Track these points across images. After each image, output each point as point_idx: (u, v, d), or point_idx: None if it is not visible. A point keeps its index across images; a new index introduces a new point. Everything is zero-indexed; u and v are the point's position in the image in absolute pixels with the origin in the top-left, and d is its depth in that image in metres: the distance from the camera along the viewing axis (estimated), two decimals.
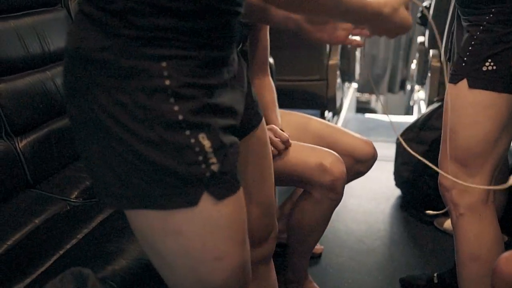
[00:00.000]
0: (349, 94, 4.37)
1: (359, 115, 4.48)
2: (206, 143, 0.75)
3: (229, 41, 0.81)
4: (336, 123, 3.70)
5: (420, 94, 3.98)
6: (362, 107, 5.32)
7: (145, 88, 0.72)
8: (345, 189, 1.51)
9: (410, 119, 4.33)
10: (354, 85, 4.32)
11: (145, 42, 0.71)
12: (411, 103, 4.57)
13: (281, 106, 2.02)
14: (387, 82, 5.69)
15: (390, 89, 5.77)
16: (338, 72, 2.98)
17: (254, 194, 1.01)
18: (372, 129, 3.97)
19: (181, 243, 0.79)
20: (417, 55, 3.75)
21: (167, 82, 0.72)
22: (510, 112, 1.26)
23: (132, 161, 0.74)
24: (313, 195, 1.49)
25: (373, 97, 5.91)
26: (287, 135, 1.45)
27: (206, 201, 0.76)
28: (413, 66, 4.62)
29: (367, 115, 4.43)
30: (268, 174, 1.08)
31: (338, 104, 3.17)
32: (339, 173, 1.45)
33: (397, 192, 2.53)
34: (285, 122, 1.62)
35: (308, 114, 1.76)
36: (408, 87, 5.22)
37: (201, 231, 0.78)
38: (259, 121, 1.03)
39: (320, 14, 0.95)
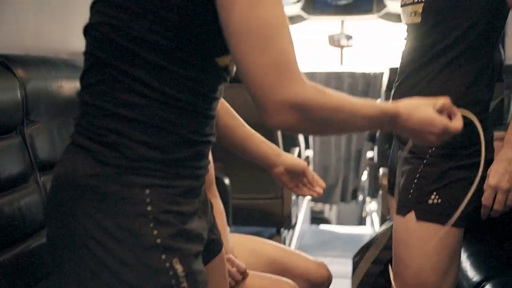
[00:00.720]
0: (303, 206, 4.41)
1: (314, 227, 4.49)
2: (179, 268, 0.79)
3: (202, 172, 0.87)
4: (291, 237, 3.69)
5: (372, 206, 4.06)
6: (316, 217, 5.36)
7: (128, 213, 0.77)
8: None
9: (363, 230, 4.39)
10: (308, 197, 4.38)
11: (132, 171, 0.78)
12: (363, 215, 4.65)
13: (239, 223, 2.01)
14: (340, 192, 5.81)
15: (343, 199, 5.88)
16: None
17: None
18: (328, 241, 3.97)
19: None
20: (368, 168, 3.88)
21: (149, 208, 0.77)
22: (458, 244, 1.29)
23: (108, 281, 0.77)
24: None
25: (326, 207, 5.98)
26: (244, 266, 1.42)
27: None
28: (364, 177, 4.77)
29: (322, 226, 4.45)
30: None
31: (294, 220, 3.18)
32: None
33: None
34: (239, 246, 1.60)
35: (264, 231, 1.75)
36: (360, 197, 5.33)
37: None
38: (219, 249, 1.09)
39: (344, 131, 0.97)
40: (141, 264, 0.77)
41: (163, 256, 0.78)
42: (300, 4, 4.61)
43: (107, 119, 0.79)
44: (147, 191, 0.78)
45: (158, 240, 0.77)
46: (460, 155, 1.26)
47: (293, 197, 3.08)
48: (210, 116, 0.85)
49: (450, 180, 1.25)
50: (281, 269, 1.56)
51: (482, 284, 1.60)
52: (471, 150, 1.25)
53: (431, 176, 1.26)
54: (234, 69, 0.85)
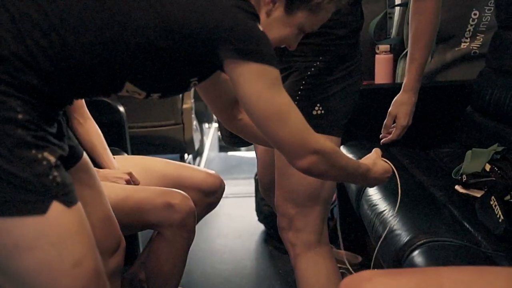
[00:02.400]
0: (209, 135, 4.42)
1: (222, 154, 4.54)
2: (51, 158, 0.87)
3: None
4: (198, 164, 3.71)
5: None
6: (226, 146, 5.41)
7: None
8: (212, 230, 1.51)
9: None
10: (215, 125, 4.39)
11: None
12: None
13: (139, 153, 1.99)
14: None
15: None
16: (193, 115, 3.01)
17: (90, 211, 1.07)
18: (235, 166, 4.04)
19: (38, 257, 0.86)
20: None
21: (20, 116, 0.85)
22: None
23: None
24: (165, 235, 1.47)
25: None
26: (122, 173, 1.48)
27: (56, 209, 0.86)
28: None
29: (230, 153, 4.50)
30: (99, 193, 1.18)
31: (197, 146, 3.18)
32: (188, 209, 1.44)
33: (261, 227, 2.58)
34: (127, 165, 1.59)
35: (167, 158, 1.75)
36: None
37: (55, 240, 0.87)
38: (80, 156, 1.15)
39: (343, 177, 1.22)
40: (14, 157, 0.84)
41: (33, 151, 0.85)
42: None
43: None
44: (19, 102, 0.85)
45: (28, 138, 0.85)
46: (337, 69, 1.33)
47: (195, 123, 3.07)
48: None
49: (332, 92, 1.32)
50: (172, 183, 1.57)
51: None
52: (346, 64, 1.34)
53: (315, 88, 1.31)
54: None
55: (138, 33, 0.91)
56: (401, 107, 1.59)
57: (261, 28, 0.96)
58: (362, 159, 1.23)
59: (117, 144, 2.00)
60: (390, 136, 1.63)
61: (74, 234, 0.90)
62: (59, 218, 0.87)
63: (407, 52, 2.35)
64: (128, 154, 2.06)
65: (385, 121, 1.64)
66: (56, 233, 0.87)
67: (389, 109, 1.62)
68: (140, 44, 0.91)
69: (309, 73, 1.31)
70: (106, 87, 1.00)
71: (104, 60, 0.92)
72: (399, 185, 1.32)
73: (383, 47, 2.34)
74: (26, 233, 0.85)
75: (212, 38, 0.93)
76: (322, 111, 1.32)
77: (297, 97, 1.30)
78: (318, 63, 1.31)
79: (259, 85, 0.95)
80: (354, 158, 1.26)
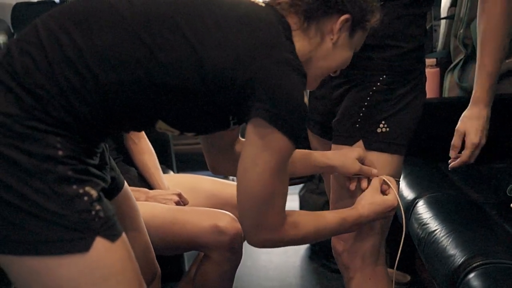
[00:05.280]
0: None
1: None
2: (93, 193, 0.85)
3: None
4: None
5: None
6: None
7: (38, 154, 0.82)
8: None
9: None
10: None
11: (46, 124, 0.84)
12: None
13: (184, 170, 2.01)
14: None
15: None
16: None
17: (131, 242, 1.06)
18: None
19: None
20: None
21: (60, 153, 0.83)
22: (400, 169, 1.31)
23: (26, 208, 0.80)
24: (212, 257, 1.46)
25: None
26: (172, 194, 1.49)
27: (100, 246, 0.83)
28: None
29: None
30: (139, 223, 1.20)
31: None
32: (235, 231, 1.43)
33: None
34: (177, 184, 1.60)
35: (212, 175, 1.75)
36: None
37: (99, 280, 0.84)
38: (121, 185, 1.14)
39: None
40: (55, 194, 0.81)
41: (74, 186, 0.83)
42: None
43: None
44: (59, 139, 0.83)
45: (69, 173, 0.83)
46: (406, 80, 1.24)
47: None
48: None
49: (398, 108, 1.23)
50: (221, 203, 1.57)
51: (416, 201, 1.67)
52: (412, 78, 1.25)
53: (380, 104, 1.23)
54: None
55: (170, 74, 0.86)
56: (470, 123, 1.38)
57: (305, 97, 0.91)
58: (358, 198, 1.16)
59: (163, 162, 2.02)
60: (459, 159, 1.41)
61: (119, 272, 0.87)
62: (103, 255, 0.84)
63: (454, 65, 2.32)
64: (173, 171, 2.09)
65: (452, 141, 1.43)
66: (100, 271, 0.84)
67: (457, 126, 1.42)
68: (171, 85, 0.87)
69: (374, 88, 1.22)
70: (138, 125, 0.99)
71: (135, 99, 0.88)
72: (404, 220, 1.24)
73: (429, 60, 2.30)
74: (68, 273, 0.83)
75: (248, 92, 0.88)
76: (388, 129, 1.23)
77: (361, 114, 1.23)
78: (384, 77, 1.22)
79: (270, 156, 0.90)
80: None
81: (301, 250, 2.54)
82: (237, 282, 2.08)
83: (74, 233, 0.82)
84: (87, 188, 0.84)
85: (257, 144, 0.90)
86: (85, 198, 0.84)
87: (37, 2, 2.66)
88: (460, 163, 1.41)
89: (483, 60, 1.36)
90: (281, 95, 0.87)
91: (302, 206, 2.47)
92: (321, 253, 2.41)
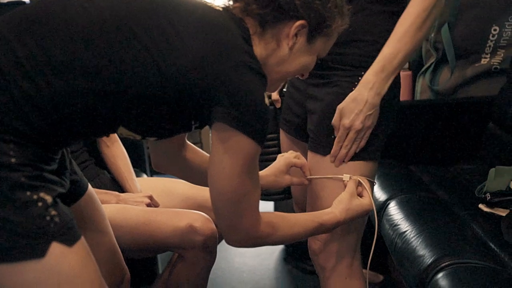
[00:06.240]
0: None
1: None
2: (48, 198, 0.84)
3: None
4: None
5: None
6: None
7: None
8: (230, 248, 1.49)
9: None
10: None
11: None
12: None
13: (159, 174, 1.99)
14: None
15: None
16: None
17: (95, 245, 1.05)
18: None
19: None
20: None
21: (13, 160, 0.82)
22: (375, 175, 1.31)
23: None
24: (186, 258, 1.45)
25: None
26: (143, 196, 1.48)
27: (55, 251, 0.83)
28: None
29: None
30: (105, 226, 1.19)
31: None
32: (210, 231, 1.43)
33: (280, 245, 2.56)
34: (151, 187, 1.59)
35: None
36: None
37: (55, 286, 0.83)
38: (85, 190, 1.14)
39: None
40: (9, 201, 0.81)
41: (28, 193, 0.82)
42: None
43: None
44: (11, 146, 0.82)
45: (23, 179, 0.82)
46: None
47: None
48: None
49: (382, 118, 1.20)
50: (195, 205, 1.57)
51: (387, 203, 1.69)
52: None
53: None
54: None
55: (129, 82, 0.85)
56: (349, 104, 1.19)
57: (266, 100, 0.91)
58: (334, 201, 1.17)
59: (136, 165, 2.01)
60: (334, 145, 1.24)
61: (77, 276, 0.86)
62: (60, 260, 0.84)
63: (426, 68, 2.36)
64: (147, 175, 2.07)
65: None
66: (57, 276, 0.84)
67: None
68: (130, 93, 0.86)
69: (353, 89, 1.19)
70: (99, 132, 0.97)
71: (93, 106, 0.86)
72: (376, 221, 1.25)
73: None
74: (25, 279, 0.82)
75: (209, 96, 0.88)
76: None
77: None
78: (363, 73, 1.18)
79: (237, 159, 0.90)
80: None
81: (275, 252, 2.54)
82: (211, 284, 2.07)
83: (28, 239, 0.81)
84: (41, 194, 0.83)
85: (223, 148, 0.90)
86: (40, 203, 0.83)
87: (7, 3, 2.60)
88: (335, 151, 1.23)
89: (388, 43, 1.17)
90: (242, 97, 0.87)
91: (276, 208, 2.47)
92: (295, 254, 2.42)
